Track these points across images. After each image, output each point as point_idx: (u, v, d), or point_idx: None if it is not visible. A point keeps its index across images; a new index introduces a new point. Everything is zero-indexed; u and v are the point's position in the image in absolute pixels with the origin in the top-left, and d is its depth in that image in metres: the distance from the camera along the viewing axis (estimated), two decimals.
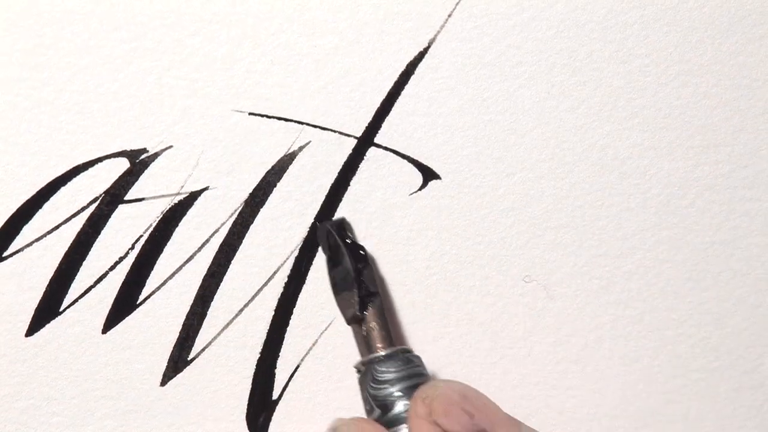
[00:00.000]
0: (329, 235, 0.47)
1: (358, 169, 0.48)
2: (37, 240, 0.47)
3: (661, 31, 0.48)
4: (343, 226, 0.47)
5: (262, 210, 0.48)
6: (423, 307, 0.48)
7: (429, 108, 0.48)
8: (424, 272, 0.48)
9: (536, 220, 0.48)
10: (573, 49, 0.48)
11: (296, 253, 0.48)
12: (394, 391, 0.42)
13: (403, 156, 0.48)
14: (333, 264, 0.46)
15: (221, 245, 0.48)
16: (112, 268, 0.48)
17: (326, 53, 0.47)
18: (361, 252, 0.46)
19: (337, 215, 0.48)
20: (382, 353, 0.44)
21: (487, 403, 0.41)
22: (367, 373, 0.43)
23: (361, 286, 0.45)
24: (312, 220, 0.48)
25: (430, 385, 0.41)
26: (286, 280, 0.48)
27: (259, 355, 0.48)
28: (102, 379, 0.48)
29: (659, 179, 0.48)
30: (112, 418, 0.48)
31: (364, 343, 0.44)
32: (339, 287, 0.46)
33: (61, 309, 0.47)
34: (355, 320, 0.45)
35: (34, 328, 0.47)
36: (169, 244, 0.48)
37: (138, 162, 0.47)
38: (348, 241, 0.46)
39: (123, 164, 0.47)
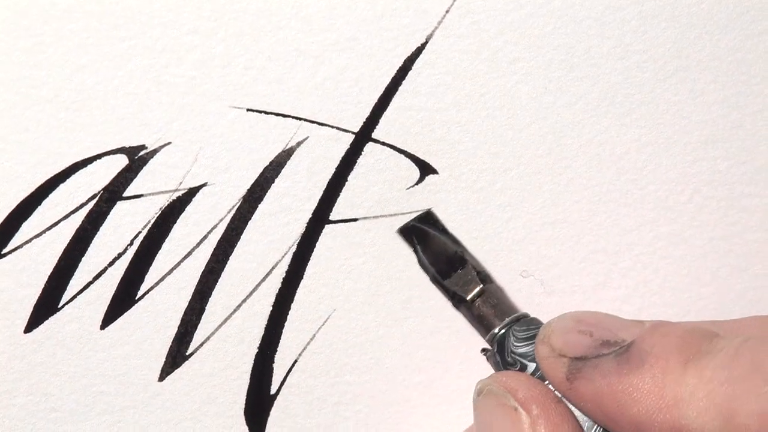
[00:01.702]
0: (417, 231, 0.47)
1: (356, 164, 0.48)
2: (36, 237, 0.47)
3: (659, 27, 0.48)
4: (431, 218, 0.47)
5: (260, 206, 0.48)
6: (420, 301, 0.48)
7: (426, 103, 0.48)
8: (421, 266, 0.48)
9: (533, 215, 0.48)
10: (570, 45, 0.48)
11: (294, 248, 0.48)
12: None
13: (401, 151, 0.48)
14: (429, 255, 0.46)
15: (219, 241, 0.48)
16: (110, 264, 0.48)
17: (323, 49, 0.47)
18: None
19: (339, 210, 0.48)
20: (518, 314, 0.44)
21: (602, 317, 0.41)
22: (504, 340, 0.44)
23: (474, 262, 0.46)
24: (308, 217, 0.48)
25: (544, 326, 0.42)
26: (284, 275, 0.48)
27: (257, 350, 0.48)
28: (100, 374, 0.48)
29: (657, 175, 0.48)
30: (111, 413, 0.48)
31: (491, 315, 0.45)
32: (444, 274, 0.46)
33: (59, 305, 0.47)
34: (475, 297, 0.45)
35: (32, 324, 0.47)
36: (167, 240, 0.48)
37: (136, 158, 0.47)
38: (444, 228, 0.47)
39: (121, 161, 0.48)
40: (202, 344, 0.48)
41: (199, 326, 0.48)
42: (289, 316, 0.48)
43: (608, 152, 0.48)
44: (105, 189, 0.47)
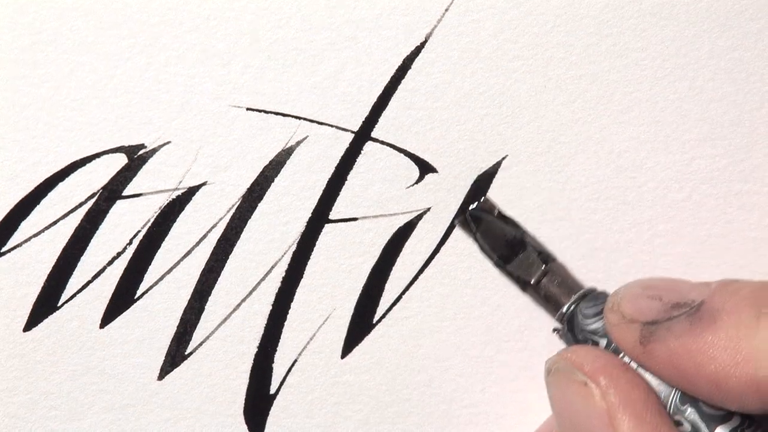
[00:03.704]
0: (474, 218, 0.47)
1: (356, 163, 0.48)
2: (35, 236, 0.47)
3: (658, 26, 0.48)
4: (487, 205, 0.47)
5: (259, 205, 0.48)
6: (419, 300, 0.48)
7: (426, 102, 0.48)
8: (421, 265, 0.48)
9: (532, 213, 0.48)
10: (569, 44, 0.48)
11: (294, 247, 0.48)
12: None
13: (400, 150, 0.48)
14: (489, 242, 0.46)
15: (219, 240, 0.48)
16: (109, 263, 0.48)
17: (323, 49, 0.47)
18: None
19: (339, 209, 0.48)
20: (584, 290, 0.45)
21: (669, 282, 0.42)
22: (573, 318, 0.44)
23: (534, 243, 0.46)
24: (308, 216, 0.48)
25: (612, 295, 0.42)
26: (283, 274, 0.48)
27: (256, 350, 0.48)
28: (99, 373, 0.48)
29: (655, 173, 0.48)
30: (110, 412, 0.48)
31: (558, 294, 0.45)
32: (506, 259, 0.46)
33: (59, 304, 0.47)
34: (539, 278, 0.45)
35: (32, 323, 0.48)
36: (166, 239, 0.48)
37: (136, 157, 0.47)
38: (501, 214, 0.47)
39: (121, 160, 0.48)
40: (201, 343, 0.48)
41: (199, 325, 0.48)
42: (288, 316, 0.48)
43: (607, 150, 0.48)
44: (104, 188, 0.47)
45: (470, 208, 0.47)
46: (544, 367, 0.43)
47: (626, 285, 0.42)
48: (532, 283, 0.46)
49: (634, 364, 0.41)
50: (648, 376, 0.41)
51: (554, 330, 0.45)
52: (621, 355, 0.42)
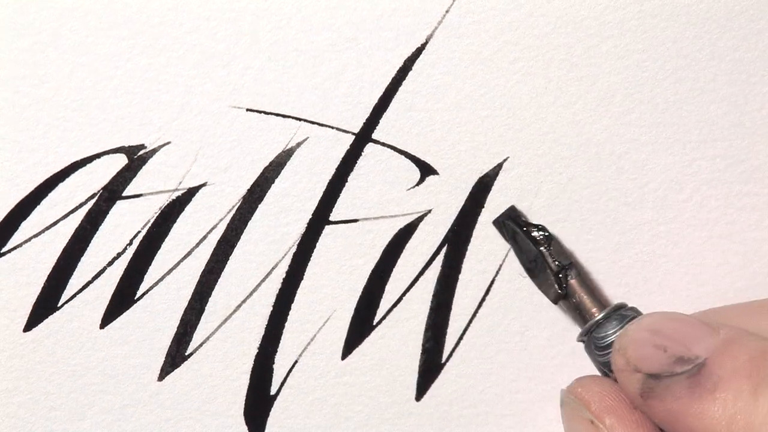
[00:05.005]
0: (505, 226, 0.47)
1: (356, 164, 0.48)
2: (36, 236, 0.47)
3: (659, 27, 0.48)
4: (515, 214, 0.47)
5: (260, 206, 0.48)
6: (419, 302, 0.48)
7: (426, 104, 0.48)
8: (421, 267, 0.48)
9: (533, 215, 0.48)
10: (570, 45, 0.48)
11: (294, 248, 0.48)
12: None
13: (401, 151, 0.48)
14: (519, 251, 0.47)
15: (219, 241, 0.48)
16: (110, 263, 0.48)
17: (324, 49, 0.47)
18: (541, 233, 0.46)
19: (339, 211, 0.48)
20: (597, 318, 0.44)
21: (678, 327, 0.41)
22: (590, 342, 0.44)
23: (552, 265, 0.46)
24: (308, 218, 0.48)
25: (621, 335, 0.42)
26: (284, 275, 0.48)
27: (257, 351, 0.48)
28: (99, 374, 0.48)
29: (656, 174, 0.48)
30: (110, 412, 0.48)
31: (578, 316, 0.45)
32: (533, 271, 0.46)
33: (59, 304, 0.48)
34: (559, 298, 0.45)
35: (32, 323, 0.48)
36: (167, 239, 0.48)
37: (136, 158, 0.47)
38: (524, 228, 0.47)
39: (121, 160, 0.48)
40: (201, 344, 0.48)
41: (199, 326, 0.48)
42: (289, 317, 0.48)
43: (608, 151, 0.48)
44: (104, 188, 0.47)
45: (501, 215, 0.47)
46: (560, 394, 0.44)
47: (636, 325, 0.42)
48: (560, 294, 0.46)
49: None
50: None
51: (579, 340, 0.45)
52: None
